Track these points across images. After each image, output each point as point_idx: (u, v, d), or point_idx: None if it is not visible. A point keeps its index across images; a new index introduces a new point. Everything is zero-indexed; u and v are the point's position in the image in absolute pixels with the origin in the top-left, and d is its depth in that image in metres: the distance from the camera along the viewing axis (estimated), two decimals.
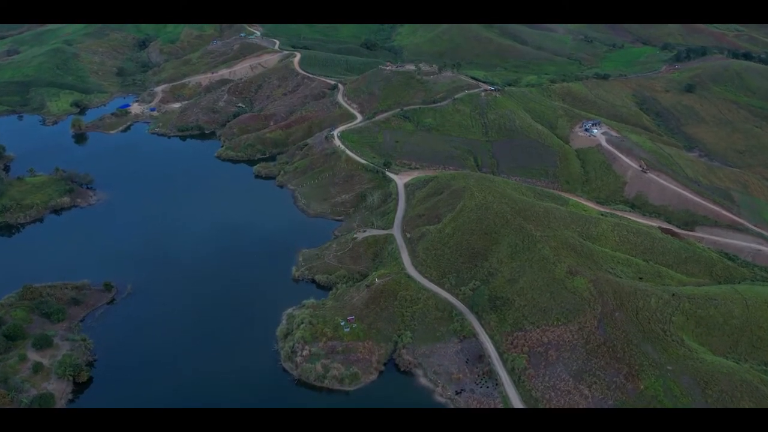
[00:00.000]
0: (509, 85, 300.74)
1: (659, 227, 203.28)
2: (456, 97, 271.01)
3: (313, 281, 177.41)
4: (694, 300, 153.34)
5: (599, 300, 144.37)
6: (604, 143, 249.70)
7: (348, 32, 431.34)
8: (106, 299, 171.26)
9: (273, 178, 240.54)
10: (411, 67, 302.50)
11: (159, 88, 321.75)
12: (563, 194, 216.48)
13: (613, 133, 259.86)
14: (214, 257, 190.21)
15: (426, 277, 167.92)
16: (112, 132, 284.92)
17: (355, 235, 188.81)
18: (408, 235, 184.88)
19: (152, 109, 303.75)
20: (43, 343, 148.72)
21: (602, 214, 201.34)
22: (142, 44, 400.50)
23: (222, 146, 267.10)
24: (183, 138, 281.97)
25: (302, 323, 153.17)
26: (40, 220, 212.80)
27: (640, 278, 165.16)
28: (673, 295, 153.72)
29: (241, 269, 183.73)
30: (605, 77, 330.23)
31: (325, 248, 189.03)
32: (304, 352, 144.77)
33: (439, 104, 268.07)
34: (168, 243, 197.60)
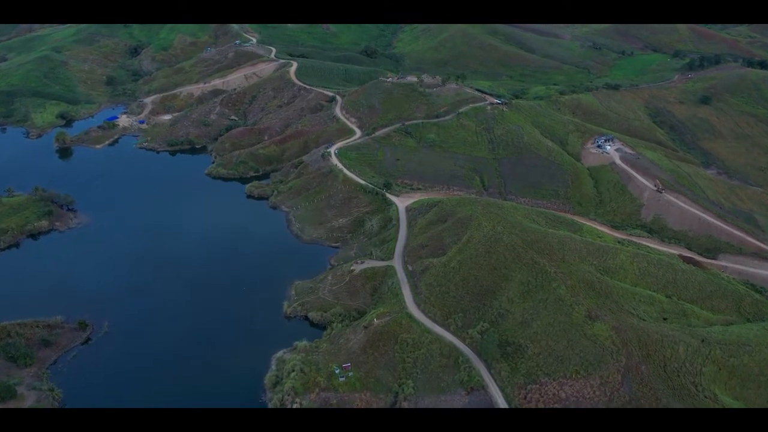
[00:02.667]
0: (516, 97, 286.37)
1: (680, 255, 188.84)
2: (460, 111, 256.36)
3: (307, 318, 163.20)
4: (725, 346, 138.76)
5: (623, 350, 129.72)
6: (618, 161, 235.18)
7: (347, 38, 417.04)
8: (81, 339, 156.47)
9: (266, 198, 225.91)
10: (413, 78, 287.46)
11: (149, 99, 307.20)
12: (576, 218, 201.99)
13: (628, 150, 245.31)
14: (201, 289, 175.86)
15: (429, 317, 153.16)
16: (98, 146, 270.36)
17: (352, 267, 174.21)
18: (410, 268, 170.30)
19: (141, 122, 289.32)
20: (6, 395, 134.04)
21: (619, 242, 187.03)
22: (134, 51, 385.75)
23: (213, 163, 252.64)
24: (172, 153, 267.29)
25: (293, 371, 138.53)
26: (16, 245, 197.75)
27: (665, 319, 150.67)
28: (703, 340, 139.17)
29: (229, 303, 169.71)
30: (616, 87, 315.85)
31: (319, 280, 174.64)
32: (294, 406, 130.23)
33: (442, 119, 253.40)
34: (151, 273, 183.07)
